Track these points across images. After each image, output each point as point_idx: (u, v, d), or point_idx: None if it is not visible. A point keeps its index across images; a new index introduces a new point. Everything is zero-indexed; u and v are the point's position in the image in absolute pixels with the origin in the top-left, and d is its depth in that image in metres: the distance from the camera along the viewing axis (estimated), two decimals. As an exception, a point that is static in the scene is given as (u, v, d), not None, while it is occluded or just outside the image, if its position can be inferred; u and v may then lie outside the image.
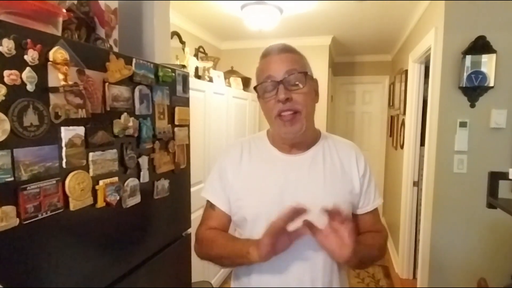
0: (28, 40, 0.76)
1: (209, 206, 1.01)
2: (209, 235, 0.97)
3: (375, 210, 1.00)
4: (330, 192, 0.91)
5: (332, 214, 0.76)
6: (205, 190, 1.02)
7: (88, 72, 0.94)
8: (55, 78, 0.83)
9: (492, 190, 1.13)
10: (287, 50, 0.90)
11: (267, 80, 0.87)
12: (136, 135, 1.15)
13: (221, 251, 0.92)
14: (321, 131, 1.03)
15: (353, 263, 0.81)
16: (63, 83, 0.84)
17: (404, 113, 3.12)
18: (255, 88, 0.92)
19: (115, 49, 1.27)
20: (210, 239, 0.96)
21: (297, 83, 0.87)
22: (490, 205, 1.14)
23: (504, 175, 1.08)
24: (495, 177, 1.13)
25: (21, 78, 0.75)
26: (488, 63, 1.89)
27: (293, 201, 0.83)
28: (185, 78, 1.47)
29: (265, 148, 0.98)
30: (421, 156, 2.80)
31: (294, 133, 0.88)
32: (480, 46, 1.89)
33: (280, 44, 0.91)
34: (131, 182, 1.13)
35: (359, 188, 0.95)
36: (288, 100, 0.85)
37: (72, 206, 0.88)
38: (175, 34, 2.81)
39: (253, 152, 0.98)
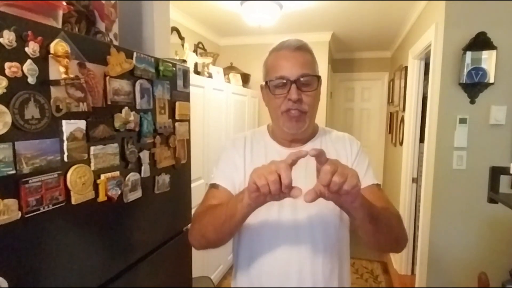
0: (29, 32, 0.75)
1: (212, 187, 0.97)
2: (205, 209, 0.92)
3: (376, 188, 0.94)
4: None
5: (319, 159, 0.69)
6: (212, 177, 0.99)
7: (89, 65, 0.93)
8: (56, 71, 0.82)
9: (493, 185, 1.13)
10: (302, 48, 0.92)
11: (280, 79, 0.88)
12: (137, 129, 1.14)
13: (212, 215, 0.85)
14: (319, 125, 1.05)
15: (362, 207, 0.73)
16: (64, 76, 0.83)
17: (404, 110, 3.12)
18: (266, 82, 0.92)
19: (115, 43, 1.26)
20: (205, 211, 0.90)
21: (309, 85, 0.89)
22: (491, 200, 1.14)
23: (505, 170, 1.08)
24: (496, 172, 1.13)
25: (22, 70, 0.74)
26: (488, 60, 1.89)
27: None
28: (185, 73, 1.46)
29: (266, 142, 1.01)
30: (421, 153, 2.80)
31: (297, 129, 0.91)
32: (481, 42, 1.89)
33: (296, 41, 0.92)
34: (132, 176, 1.12)
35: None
36: (299, 101, 0.87)
37: (74, 200, 0.88)
38: (174, 29, 2.79)
39: (254, 145, 1.00)
